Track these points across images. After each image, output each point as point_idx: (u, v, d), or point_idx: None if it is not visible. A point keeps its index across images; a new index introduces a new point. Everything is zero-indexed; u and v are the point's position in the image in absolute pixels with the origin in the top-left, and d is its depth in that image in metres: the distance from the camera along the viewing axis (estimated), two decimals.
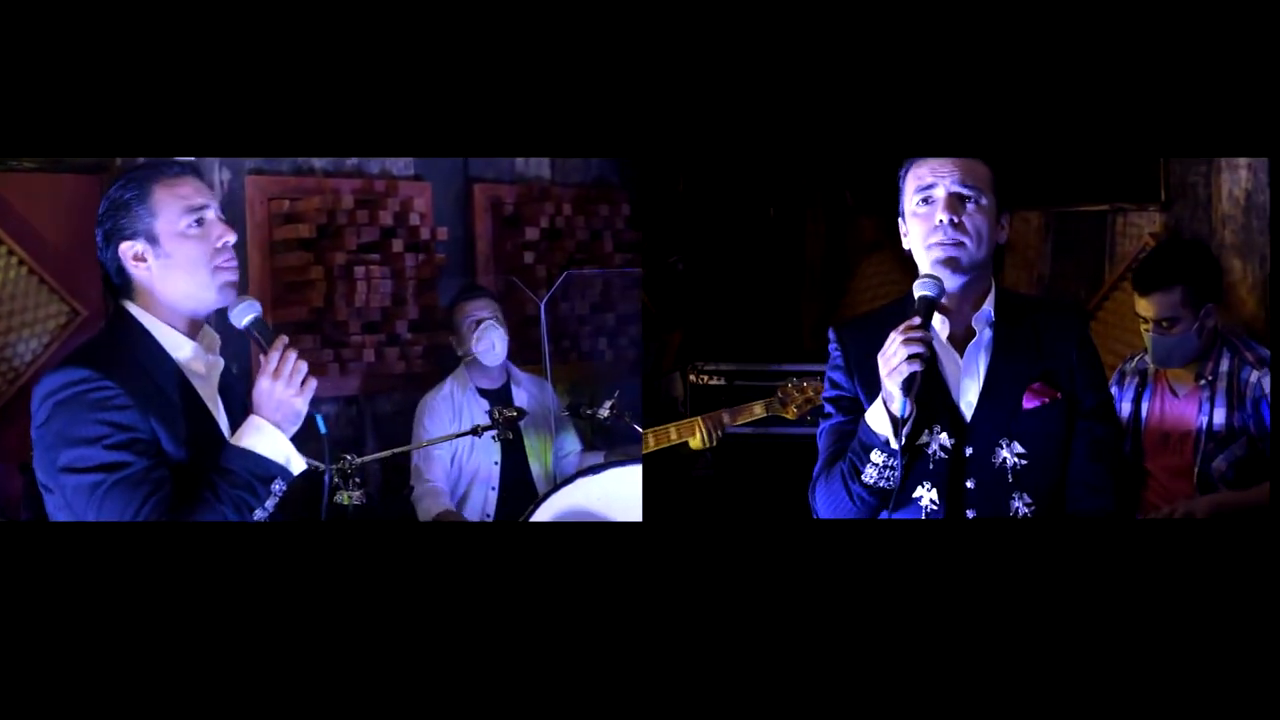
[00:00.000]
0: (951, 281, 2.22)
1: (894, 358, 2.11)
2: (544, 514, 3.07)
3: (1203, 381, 3.21)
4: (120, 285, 2.22)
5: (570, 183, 4.80)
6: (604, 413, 3.66)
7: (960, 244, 2.19)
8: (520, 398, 4.04)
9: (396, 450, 3.64)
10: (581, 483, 3.12)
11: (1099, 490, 2.23)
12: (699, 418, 3.59)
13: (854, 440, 2.22)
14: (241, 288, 2.28)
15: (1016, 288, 2.32)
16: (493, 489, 3.94)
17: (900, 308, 2.24)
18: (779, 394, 3.58)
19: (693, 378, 3.88)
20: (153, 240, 2.18)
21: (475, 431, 3.55)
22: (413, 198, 4.26)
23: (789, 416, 3.57)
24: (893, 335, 2.13)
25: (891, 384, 2.12)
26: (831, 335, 2.38)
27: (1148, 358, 3.33)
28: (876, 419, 2.18)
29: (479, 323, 3.95)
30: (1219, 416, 3.19)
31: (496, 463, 3.95)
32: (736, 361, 3.91)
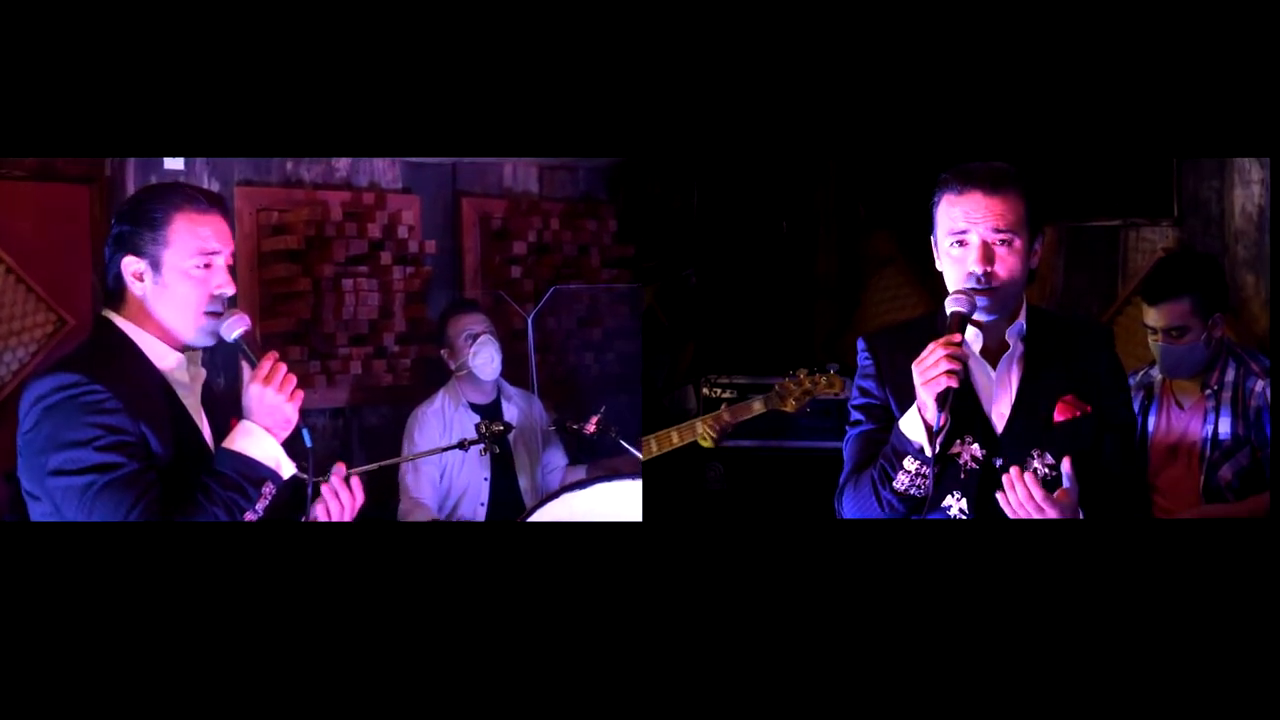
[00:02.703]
0: (985, 317, 2.24)
1: (932, 369, 2.13)
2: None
3: (1208, 392, 3.23)
4: (113, 291, 2.23)
5: (558, 197, 4.82)
6: (590, 428, 3.67)
7: (994, 291, 2.21)
8: (510, 412, 4.04)
9: (384, 463, 3.64)
10: (567, 498, 3.12)
11: (1133, 492, 2.30)
12: (698, 419, 3.59)
13: (886, 446, 2.24)
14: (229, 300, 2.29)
15: (1029, 302, 2.34)
16: (482, 504, 3.94)
17: (929, 322, 2.27)
18: (776, 389, 3.54)
19: (705, 390, 3.86)
20: (156, 266, 2.20)
21: (462, 445, 3.56)
22: (401, 210, 4.27)
23: (788, 410, 3.53)
24: (932, 345, 2.15)
25: (927, 395, 2.14)
26: (861, 345, 2.39)
27: (1154, 371, 3.35)
28: (911, 426, 2.20)
29: (475, 337, 3.95)
30: (1224, 426, 3.21)
31: (486, 479, 3.95)
32: (749, 374, 3.90)
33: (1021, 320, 2.29)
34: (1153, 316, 3.23)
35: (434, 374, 4.19)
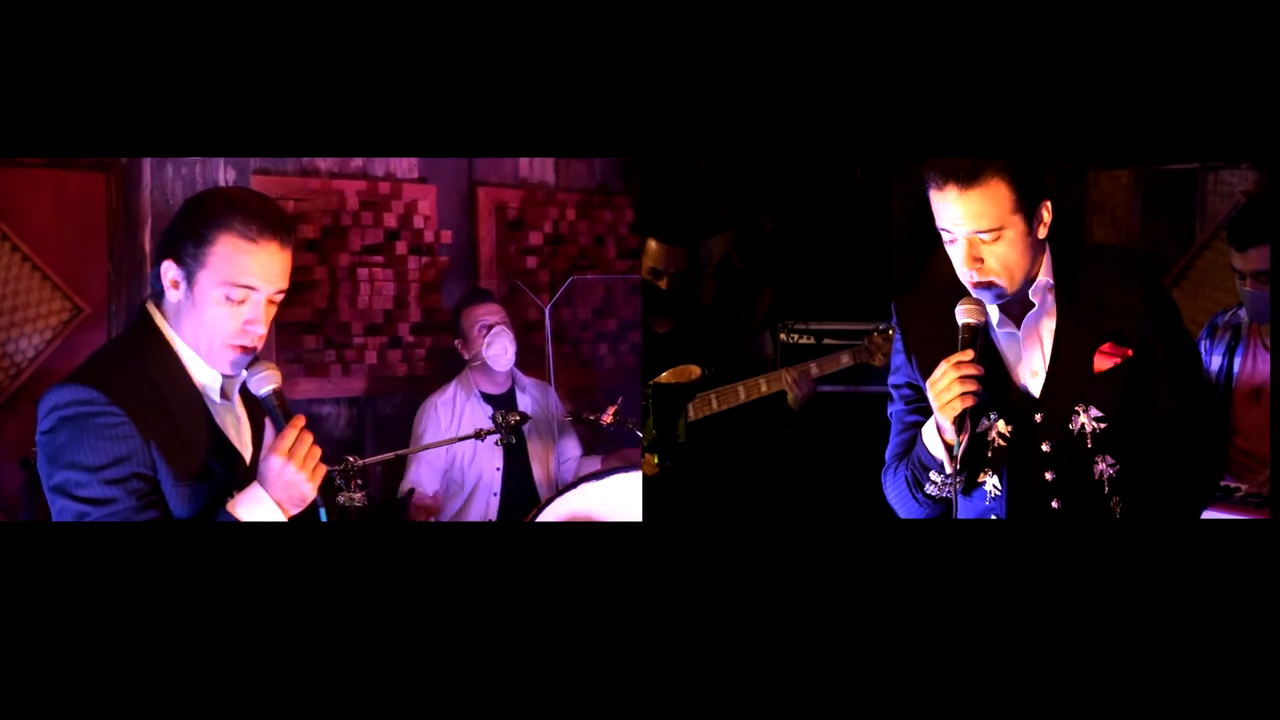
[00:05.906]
0: (999, 301, 2.17)
1: (945, 392, 2.05)
2: (546, 519, 3.06)
3: None
4: (156, 290, 2.13)
5: (574, 188, 4.80)
6: (607, 418, 3.67)
7: (990, 284, 2.12)
8: (524, 403, 4.04)
9: (399, 452, 3.64)
10: (584, 488, 3.12)
11: (1196, 437, 2.18)
12: (784, 369, 3.60)
13: (913, 453, 2.20)
14: None
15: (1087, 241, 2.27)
16: (495, 494, 3.94)
17: (954, 284, 2.17)
18: (866, 343, 3.58)
19: (783, 336, 3.87)
20: (190, 281, 2.07)
21: (478, 435, 3.55)
22: (417, 200, 4.26)
23: (876, 364, 3.55)
24: (943, 365, 2.07)
25: (943, 418, 2.08)
26: (892, 309, 2.33)
27: (1243, 311, 3.27)
28: (932, 440, 2.13)
29: (489, 328, 3.94)
30: None
31: (499, 468, 3.94)
32: (826, 320, 3.89)
33: (1044, 275, 2.17)
34: (1240, 261, 3.15)
35: (449, 364, 4.18)
